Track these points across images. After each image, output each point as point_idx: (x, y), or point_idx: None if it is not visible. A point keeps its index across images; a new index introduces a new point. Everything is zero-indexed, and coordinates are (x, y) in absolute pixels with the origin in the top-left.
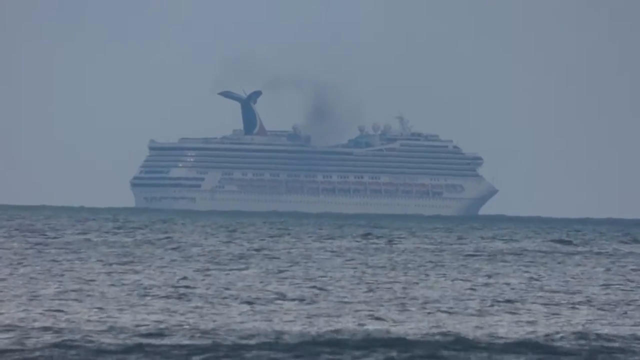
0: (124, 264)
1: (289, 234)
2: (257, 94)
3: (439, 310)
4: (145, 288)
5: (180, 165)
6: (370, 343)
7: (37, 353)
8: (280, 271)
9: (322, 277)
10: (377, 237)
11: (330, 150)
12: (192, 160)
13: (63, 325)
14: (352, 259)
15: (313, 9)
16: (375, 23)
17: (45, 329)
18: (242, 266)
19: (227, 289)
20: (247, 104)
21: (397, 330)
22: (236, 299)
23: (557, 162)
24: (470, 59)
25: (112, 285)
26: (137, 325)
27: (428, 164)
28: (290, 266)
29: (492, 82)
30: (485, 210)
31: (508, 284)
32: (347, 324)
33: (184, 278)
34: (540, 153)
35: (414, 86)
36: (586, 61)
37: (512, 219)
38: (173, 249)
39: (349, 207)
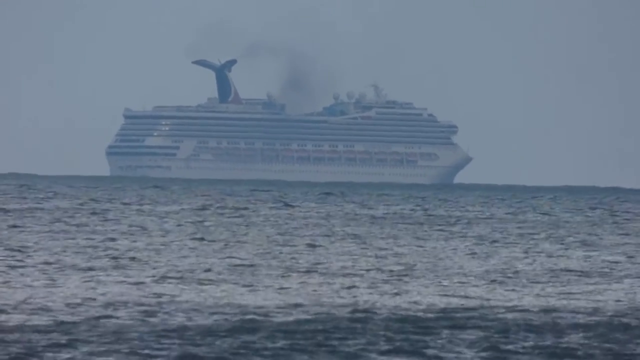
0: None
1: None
2: (232, 62)
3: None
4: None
5: (155, 134)
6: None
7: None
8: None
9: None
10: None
11: (305, 119)
12: (167, 129)
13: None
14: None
15: None
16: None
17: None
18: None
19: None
20: (222, 72)
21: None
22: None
23: (532, 130)
24: (445, 27)
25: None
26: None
27: (403, 132)
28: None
29: (468, 50)
30: (460, 178)
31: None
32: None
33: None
34: (514, 121)
35: (389, 54)
36: (562, 29)
37: (485, 187)
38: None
39: (324, 175)
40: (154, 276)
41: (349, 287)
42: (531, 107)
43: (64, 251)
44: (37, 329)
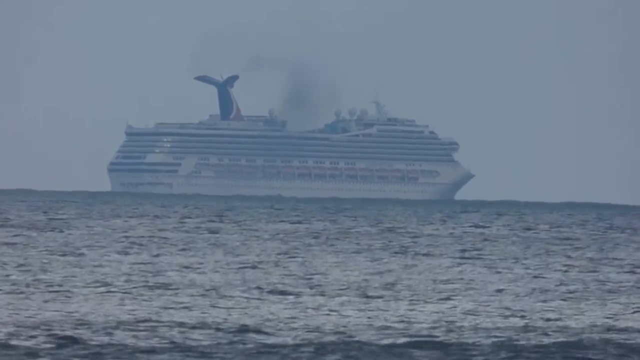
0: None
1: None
2: (234, 78)
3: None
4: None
5: (157, 150)
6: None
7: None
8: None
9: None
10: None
11: (306, 136)
12: (168, 145)
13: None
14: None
15: None
16: (354, 9)
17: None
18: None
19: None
20: (224, 89)
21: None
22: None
23: (533, 147)
24: (447, 44)
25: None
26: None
27: (404, 149)
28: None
29: (469, 67)
30: (462, 195)
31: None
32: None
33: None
34: (516, 138)
35: (391, 71)
36: (563, 47)
37: (486, 204)
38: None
39: (325, 192)
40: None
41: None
42: (533, 123)
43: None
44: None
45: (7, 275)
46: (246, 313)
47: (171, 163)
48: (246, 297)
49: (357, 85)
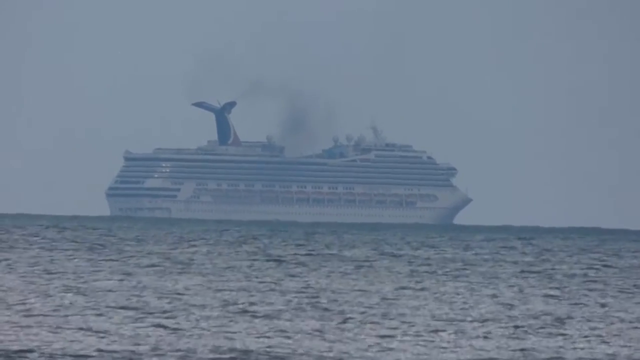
0: None
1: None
2: (232, 104)
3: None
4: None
5: (156, 175)
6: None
7: None
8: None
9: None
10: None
11: (304, 161)
12: (167, 170)
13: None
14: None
15: (290, 19)
16: (350, 34)
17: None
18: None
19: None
20: (222, 115)
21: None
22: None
23: (532, 171)
24: (443, 69)
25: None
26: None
27: (402, 174)
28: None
29: (466, 92)
30: (460, 219)
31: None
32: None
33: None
34: (514, 162)
35: (388, 96)
36: (561, 70)
37: (485, 229)
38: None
39: (323, 217)
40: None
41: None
42: (532, 147)
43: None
44: None
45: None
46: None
47: (170, 188)
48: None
49: (355, 111)
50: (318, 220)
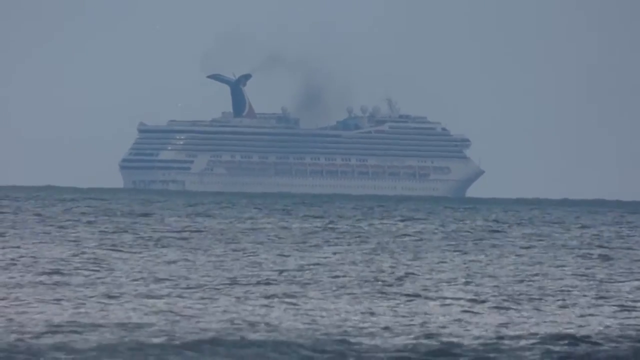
0: None
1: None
2: (247, 77)
3: None
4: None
5: (170, 148)
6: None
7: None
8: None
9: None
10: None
11: (318, 133)
12: (181, 143)
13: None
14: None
15: None
16: (366, 7)
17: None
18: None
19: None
20: (237, 87)
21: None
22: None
23: (544, 143)
24: (458, 41)
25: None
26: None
27: (415, 146)
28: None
29: (480, 64)
30: (472, 192)
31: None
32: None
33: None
34: (527, 135)
35: (403, 68)
36: (572, 46)
37: (496, 201)
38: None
39: (337, 189)
40: None
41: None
42: (544, 119)
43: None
44: None
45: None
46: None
47: (184, 160)
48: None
49: (369, 83)
50: (332, 192)
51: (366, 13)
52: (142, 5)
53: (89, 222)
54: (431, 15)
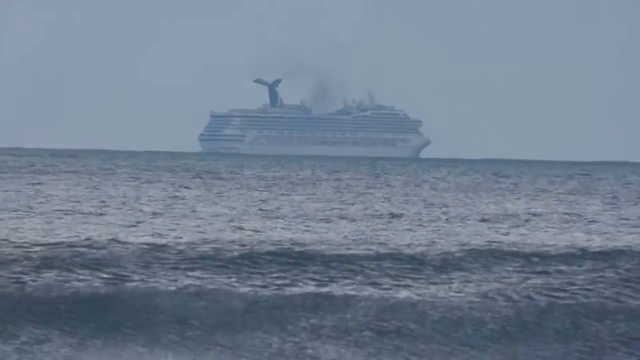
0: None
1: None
2: (279, 80)
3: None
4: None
5: (230, 127)
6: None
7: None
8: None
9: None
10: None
11: (325, 117)
12: (237, 123)
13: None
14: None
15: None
16: (360, 31)
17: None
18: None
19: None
20: (272, 87)
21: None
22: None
23: (480, 110)
24: (417, 50)
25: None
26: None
27: (387, 125)
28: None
29: (432, 65)
30: (423, 154)
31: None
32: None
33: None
34: (468, 113)
35: (379, 70)
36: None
37: (438, 160)
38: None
39: (337, 153)
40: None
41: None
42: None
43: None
44: None
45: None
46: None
47: (240, 135)
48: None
49: (359, 83)
50: (335, 154)
51: (359, 36)
52: (206, 29)
53: (207, 172)
54: (401, 30)
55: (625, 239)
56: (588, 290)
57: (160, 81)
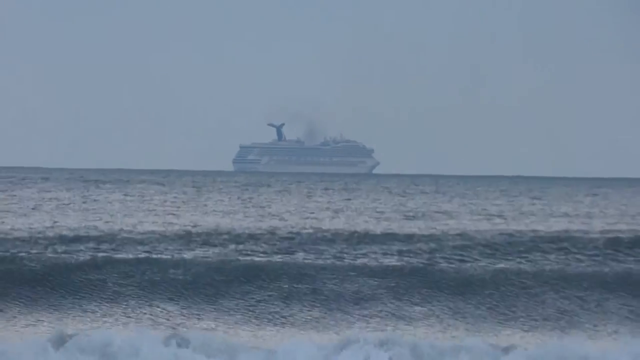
0: None
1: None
2: (283, 124)
3: None
4: None
5: (252, 154)
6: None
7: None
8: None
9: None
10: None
11: (313, 147)
12: (257, 152)
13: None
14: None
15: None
16: (336, 94)
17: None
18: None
19: None
20: (279, 128)
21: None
22: None
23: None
24: (373, 93)
25: None
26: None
27: (352, 152)
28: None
29: (392, 103)
30: (375, 171)
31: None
32: None
33: None
34: (414, 139)
35: (349, 120)
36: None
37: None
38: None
39: (321, 171)
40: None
41: None
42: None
43: None
44: None
45: None
46: None
47: (258, 159)
48: None
49: (334, 126)
50: (319, 172)
51: (330, 91)
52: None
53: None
54: (363, 90)
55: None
56: None
57: (202, 114)
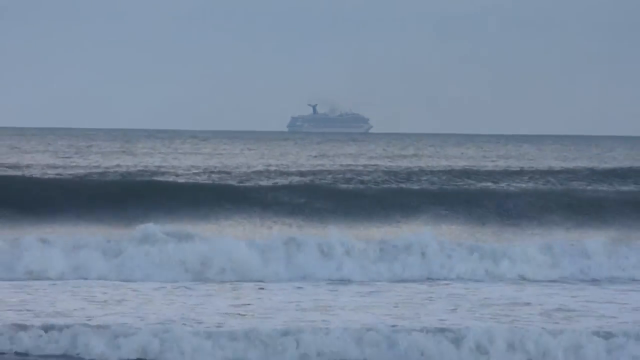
0: None
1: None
2: (316, 104)
3: None
4: None
5: (298, 122)
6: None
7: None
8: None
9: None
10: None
11: (333, 117)
12: (301, 120)
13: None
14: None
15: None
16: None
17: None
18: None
19: None
20: (315, 107)
21: None
22: None
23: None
24: (377, 77)
25: None
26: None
27: (356, 120)
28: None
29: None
30: (371, 131)
31: None
32: None
33: None
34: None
35: (354, 96)
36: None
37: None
38: None
39: (337, 130)
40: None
41: None
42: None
43: None
44: None
45: None
46: None
47: (302, 124)
48: None
49: (347, 103)
50: (337, 132)
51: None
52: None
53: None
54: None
55: None
56: None
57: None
